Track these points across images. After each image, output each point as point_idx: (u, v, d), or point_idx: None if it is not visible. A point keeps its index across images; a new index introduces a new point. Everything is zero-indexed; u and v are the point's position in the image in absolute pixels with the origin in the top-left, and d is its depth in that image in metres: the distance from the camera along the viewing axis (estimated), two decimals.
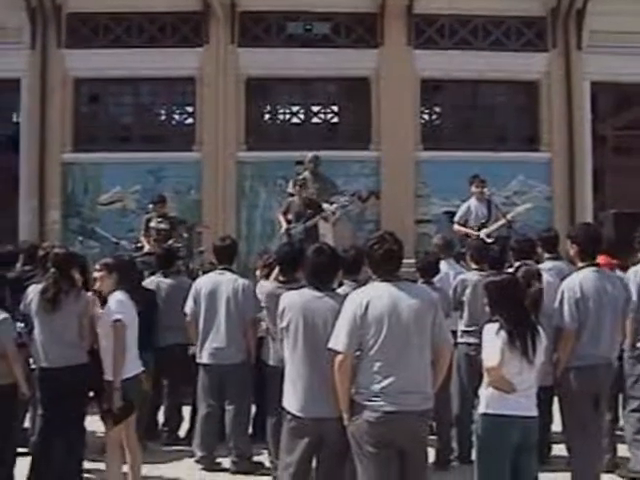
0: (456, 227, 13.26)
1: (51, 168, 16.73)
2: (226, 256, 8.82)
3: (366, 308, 5.53)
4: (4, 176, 16.99)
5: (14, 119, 17.55)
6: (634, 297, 7.83)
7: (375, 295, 5.58)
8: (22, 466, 7.21)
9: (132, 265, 8.55)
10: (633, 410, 8.02)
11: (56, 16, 16.73)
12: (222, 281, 8.56)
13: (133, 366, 7.15)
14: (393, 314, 5.51)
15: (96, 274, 7.37)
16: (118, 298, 7.16)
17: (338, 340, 5.56)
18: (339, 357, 5.53)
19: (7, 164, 16.99)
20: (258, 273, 9.40)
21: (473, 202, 13.30)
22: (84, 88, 17.38)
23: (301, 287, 6.38)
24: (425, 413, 5.65)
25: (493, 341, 5.76)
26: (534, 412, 5.89)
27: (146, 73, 16.94)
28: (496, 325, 5.80)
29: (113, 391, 6.98)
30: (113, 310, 7.07)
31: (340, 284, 7.10)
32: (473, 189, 13.32)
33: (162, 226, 13.12)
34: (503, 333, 5.75)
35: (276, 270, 8.11)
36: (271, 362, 7.93)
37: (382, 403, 5.46)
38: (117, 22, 16.96)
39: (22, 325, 7.49)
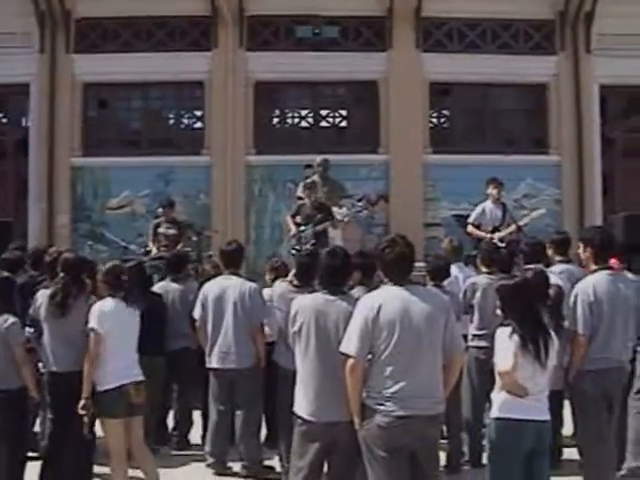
0: (470, 229, 13.23)
1: (60, 172, 16.76)
2: (233, 260, 8.79)
3: (378, 312, 5.51)
4: (13, 180, 17.05)
5: (23, 123, 17.58)
6: None
7: (387, 299, 5.56)
8: (32, 470, 7.20)
9: (132, 270, 8.36)
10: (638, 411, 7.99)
11: (65, 21, 16.76)
12: (229, 285, 8.54)
13: (115, 377, 6.94)
14: (405, 318, 5.49)
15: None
16: (100, 306, 7.07)
17: (350, 344, 5.53)
18: (351, 361, 5.51)
19: (16, 168, 17.08)
20: (267, 277, 9.42)
21: (488, 205, 13.25)
22: (93, 92, 17.41)
23: (313, 291, 6.37)
24: (437, 417, 5.63)
25: (506, 345, 5.73)
26: (547, 416, 5.86)
27: (155, 77, 16.96)
28: (508, 329, 5.77)
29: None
30: (90, 319, 7.00)
31: (351, 287, 7.09)
32: (490, 191, 13.28)
33: (170, 232, 13.12)
34: (516, 337, 5.72)
35: (292, 272, 8.12)
36: (282, 365, 7.93)
37: (394, 407, 5.43)
38: (126, 27, 16.99)
39: (31, 330, 7.50)
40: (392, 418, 5.43)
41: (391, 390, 5.44)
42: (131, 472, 7.32)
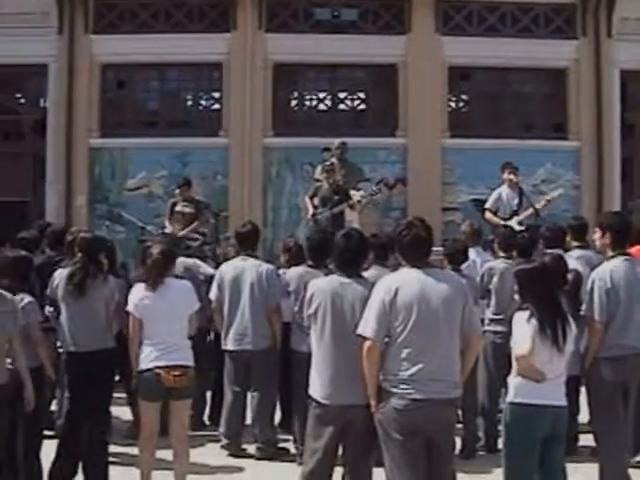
0: (488, 215, 13.20)
1: (78, 153, 16.75)
2: (248, 242, 8.81)
3: (395, 294, 5.49)
4: (31, 160, 17.08)
5: (42, 104, 17.59)
6: None
7: (404, 281, 5.54)
8: (49, 449, 7.23)
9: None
10: None
11: (83, 1, 16.69)
12: (246, 267, 8.56)
13: (148, 360, 6.91)
14: (422, 301, 5.47)
15: None
16: (137, 289, 7.11)
17: (367, 326, 5.52)
18: (367, 343, 5.50)
19: (34, 148, 17.09)
20: (282, 258, 9.42)
21: (505, 189, 13.22)
22: (111, 73, 17.39)
23: (329, 273, 6.36)
24: (453, 401, 5.62)
25: (524, 329, 5.69)
26: (563, 401, 5.83)
27: (173, 59, 16.91)
28: (526, 313, 5.74)
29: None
30: (129, 301, 7.07)
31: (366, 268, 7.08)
32: (505, 176, 13.24)
33: (187, 210, 13.15)
34: (534, 321, 5.68)
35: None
36: (298, 348, 7.94)
37: (410, 390, 5.42)
38: (144, 7, 16.93)
39: (51, 309, 7.54)
40: (408, 401, 5.42)
41: (408, 373, 5.43)
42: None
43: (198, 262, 9.64)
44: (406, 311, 5.46)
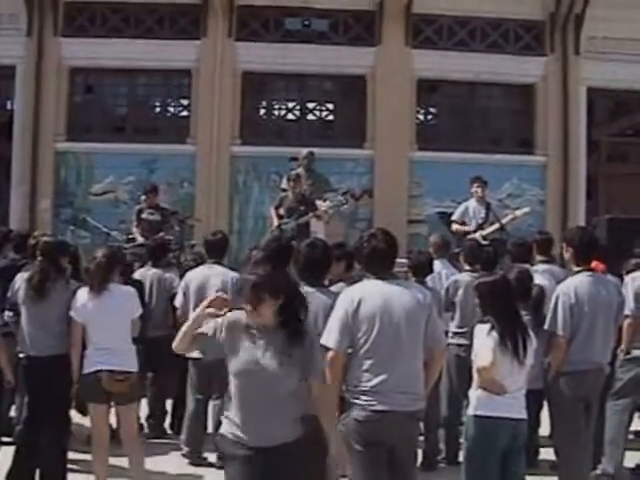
0: (455, 226, 13.27)
1: (44, 156, 16.63)
2: (217, 250, 8.79)
3: (358, 305, 5.46)
4: None
5: (8, 106, 17.45)
6: (631, 304, 7.83)
7: (367, 293, 5.52)
8: (6, 455, 7.14)
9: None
10: (615, 412, 8.00)
11: (53, 3, 16.60)
12: (211, 275, 8.53)
13: (90, 363, 6.91)
14: (385, 312, 5.44)
15: None
16: (80, 293, 7.06)
17: (330, 336, 5.49)
18: (330, 353, 5.47)
19: (0, 150, 16.92)
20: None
21: (472, 203, 13.33)
22: (79, 77, 17.30)
23: None
24: (416, 414, 5.58)
25: (485, 341, 5.72)
26: (523, 414, 5.86)
27: (142, 64, 16.86)
28: (487, 326, 5.76)
29: None
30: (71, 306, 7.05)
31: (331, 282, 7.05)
32: (473, 189, 13.33)
33: (152, 217, 13.08)
34: (494, 334, 5.71)
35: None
36: None
37: (373, 402, 5.38)
38: (114, 12, 16.85)
39: (10, 314, 7.45)
40: (370, 412, 5.40)
41: (370, 384, 5.40)
42: (114, 460, 7.26)
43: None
44: (369, 322, 5.43)
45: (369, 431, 5.42)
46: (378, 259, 5.62)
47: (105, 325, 6.92)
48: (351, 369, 5.49)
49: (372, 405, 5.39)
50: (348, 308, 5.49)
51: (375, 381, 5.40)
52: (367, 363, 5.42)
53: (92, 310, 6.92)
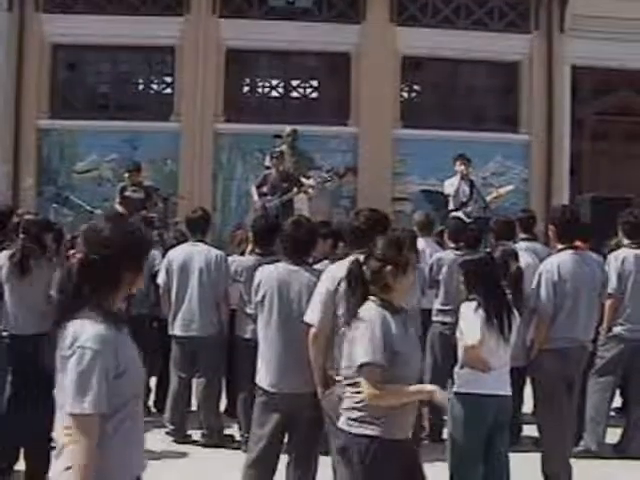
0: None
1: (26, 134, 16.53)
2: (199, 228, 8.74)
3: (339, 284, 5.45)
4: None
5: None
6: (614, 282, 7.86)
7: None
8: None
9: None
10: (597, 389, 8.06)
11: None
12: (194, 252, 8.49)
13: None
14: None
15: None
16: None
17: (313, 314, 5.52)
18: (313, 331, 5.50)
19: None
20: (235, 251, 9.37)
21: (456, 181, 13.36)
22: (62, 54, 17.16)
23: (277, 261, 6.34)
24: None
25: (472, 320, 5.72)
26: (508, 391, 5.87)
27: (125, 41, 16.72)
28: (474, 303, 5.77)
29: None
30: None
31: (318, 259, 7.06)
32: (457, 167, 13.37)
33: (136, 195, 13.04)
34: (481, 311, 5.71)
35: (249, 246, 8.10)
36: (242, 335, 7.91)
37: None
38: None
39: None
40: None
41: None
42: None
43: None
44: None
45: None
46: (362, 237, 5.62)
47: None
48: (335, 346, 5.48)
49: None
50: (330, 287, 5.50)
51: None
52: None
53: None
